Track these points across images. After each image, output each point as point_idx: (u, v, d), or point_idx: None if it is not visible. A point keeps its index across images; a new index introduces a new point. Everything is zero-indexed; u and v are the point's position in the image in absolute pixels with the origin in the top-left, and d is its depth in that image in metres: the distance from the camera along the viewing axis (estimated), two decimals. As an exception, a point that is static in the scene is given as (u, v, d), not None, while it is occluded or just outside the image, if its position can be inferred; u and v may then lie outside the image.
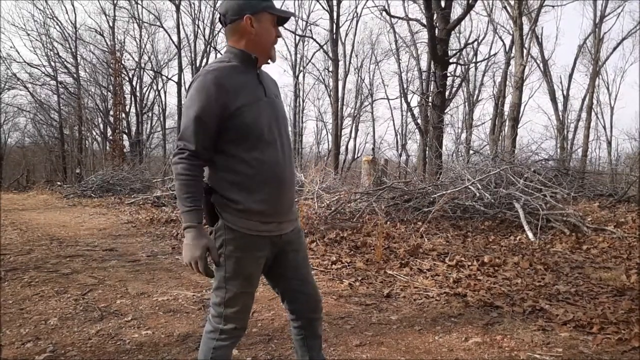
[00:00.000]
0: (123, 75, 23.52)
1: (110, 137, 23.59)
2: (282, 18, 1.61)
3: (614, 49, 23.21)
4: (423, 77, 18.69)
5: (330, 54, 20.02)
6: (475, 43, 19.96)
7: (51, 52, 23.22)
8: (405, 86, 21.19)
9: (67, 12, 36.47)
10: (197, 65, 24.21)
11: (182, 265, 4.54)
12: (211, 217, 1.57)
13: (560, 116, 23.00)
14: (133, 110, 24.91)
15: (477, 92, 23.58)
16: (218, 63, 1.55)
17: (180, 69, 23.79)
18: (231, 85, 1.48)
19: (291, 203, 1.64)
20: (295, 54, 25.82)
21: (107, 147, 23.79)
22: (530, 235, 5.71)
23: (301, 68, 26.54)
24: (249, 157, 1.50)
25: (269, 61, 1.63)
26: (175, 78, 24.23)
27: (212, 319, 1.63)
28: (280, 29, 1.65)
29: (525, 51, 12.81)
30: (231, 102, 1.47)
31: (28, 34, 23.87)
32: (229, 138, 1.50)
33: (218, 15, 1.62)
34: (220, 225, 1.55)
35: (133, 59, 24.90)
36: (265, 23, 1.55)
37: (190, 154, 1.48)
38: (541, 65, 22.10)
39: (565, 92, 23.59)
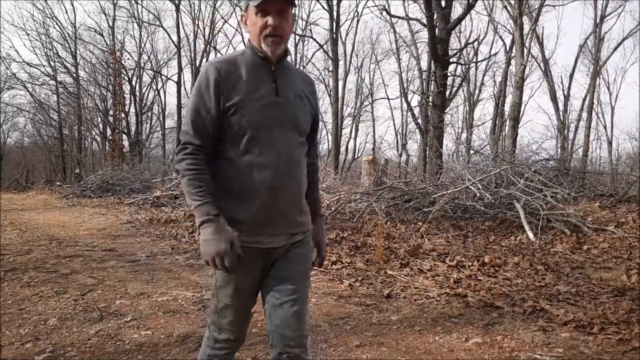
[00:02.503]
0: (122, 75, 23.52)
1: (110, 137, 23.60)
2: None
3: (615, 48, 23.23)
4: (423, 77, 18.68)
5: (330, 54, 20.00)
6: (476, 43, 19.93)
7: (51, 52, 23.25)
8: (405, 86, 21.19)
9: (66, 12, 36.26)
10: (197, 65, 24.21)
11: (181, 265, 4.53)
12: None
13: (561, 116, 23.00)
14: (132, 110, 24.93)
15: (477, 91, 23.58)
16: (228, 54, 1.47)
17: (180, 69, 23.80)
18: (230, 79, 1.39)
19: (289, 214, 1.45)
20: (295, 53, 25.79)
21: (107, 147, 23.80)
22: (530, 235, 5.70)
23: (301, 67, 26.55)
24: (240, 161, 1.38)
25: (270, 54, 1.42)
26: (175, 78, 24.26)
27: (210, 326, 1.56)
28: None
29: (525, 51, 12.81)
30: (227, 97, 1.38)
31: (27, 34, 23.82)
32: (222, 136, 1.41)
33: None
34: None
35: (132, 58, 24.93)
36: (251, 15, 1.42)
37: (194, 148, 1.39)
38: (542, 64, 22.10)
39: (565, 92, 23.59)
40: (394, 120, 41.88)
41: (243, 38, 21.93)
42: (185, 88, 24.99)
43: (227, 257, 1.33)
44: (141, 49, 24.86)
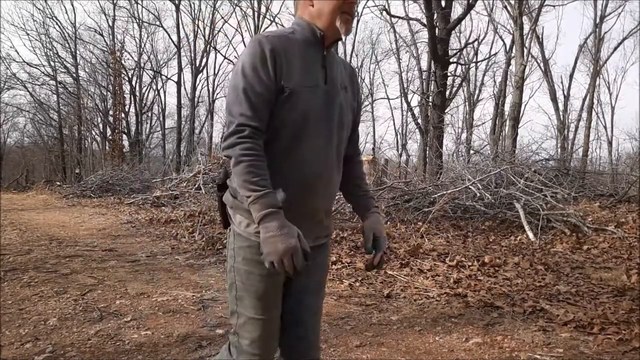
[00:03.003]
0: (122, 75, 23.54)
1: (110, 137, 23.62)
2: None
3: (615, 48, 23.34)
4: (423, 77, 18.68)
5: (330, 54, 19.99)
6: (476, 43, 19.95)
7: (50, 52, 23.29)
8: (405, 86, 21.19)
9: (66, 12, 36.25)
10: (197, 65, 24.23)
11: (181, 265, 4.52)
12: (225, 219, 1.34)
13: (561, 116, 23.02)
14: (132, 110, 24.95)
15: (477, 91, 23.60)
16: (277, 30, 1.29)
17: (180, 69, 23.83)
18: (287, 56, 1.22)
19: (320, 215, 1.34)
20: (295, 53, 25.82)
21: (107, 147, 23.82)
22: (530, 235, 5.70)
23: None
24: (279, 148, 1.24)
25: (341, 36, 1.29)
26: (175, 78, 24.28)
27: (229, 347, 1.35)
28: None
29: (525, 51, 12.82)
30: (284, 76, 1.21)
31: (27, 34, 23.95)
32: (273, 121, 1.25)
33: None
34: (230, 231, 1.31)
35: (132, 58, 24.96)
36: None
37: (252, 131, 1.18)
38: (542, 64, 22.13)
39: (565, 92, 23.63)
40: (394, 120, 42.00)
41: (243, 38, 21.94)
42: (185, 88, 25.05)
43: (297, 253, 1.14)
44: (141, 49, 24.89)
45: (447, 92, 13.25)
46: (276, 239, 1.13)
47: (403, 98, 21.26)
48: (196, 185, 10.09)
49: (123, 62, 23.60)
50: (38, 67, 23.18)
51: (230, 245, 1.30)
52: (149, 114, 27.24)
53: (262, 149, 1.20)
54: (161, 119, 27.45)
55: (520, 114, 14.16)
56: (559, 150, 18.33)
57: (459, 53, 15.17)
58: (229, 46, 24.18)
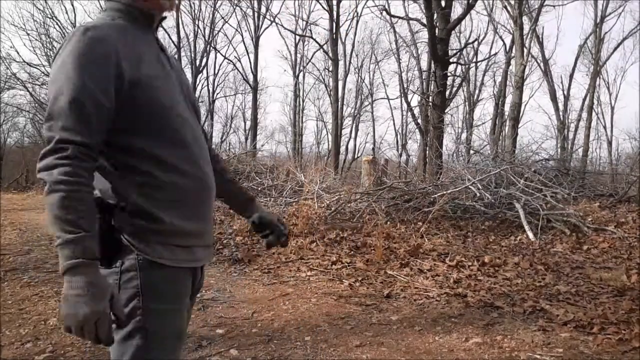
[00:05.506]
0: (123, 75, 23.55)
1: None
2: None
3: (615, 48, 23.12)
4: (423, 77, 18.70)
5: (330, 54, 20.01)
6: (476, 43, 19.95)
7: (51, 52, 23.24)
8: (405, 86, 21.19)
9: (66, 12, 36.09)
10: (197, 65, 24.25)
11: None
12: (111, 251, 0.99)
13: (561, 116, 23.00)
14: (133, 110, 24.94)
15: (477, 91, 23.58)
16: (100, 20, 1.06)
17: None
18: (124, 48, 1.01)
19: (210, 235, 1.19)
20: (295, 53, 25.81)
21: (107, 147, 23.81)
22: (530, 235, 5.70)
23: (301, 68, 26.52)
24: (167, 153, 1.04)
25: (165, 14, 1.18)
26: (175, 78, 24.23)
27: None
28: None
29: (525, 51, 12.82)
30: (128, 70, 0.99)
31: (28, 34, 23.75)
32: (134, 125, 1.02)
33: None
34: (131, 264, 0.99)
35: (133, 58, 24.92)
36: None
37: (77, 149, 0.92)
38: (542, 64, 22.08)
39: (565, 92, 23.59)
40: (394, 120, 41.71)
41: (243, 38, 21.96)
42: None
43: (104, 322, 0.90)
44: (141, 49, 24.87)
45: (447, 92, 13.24)
46: (79, 300, 0.88)
47: (403, 98, 21.27)
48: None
49: (123, 62, 23.60)
50: (38, 67, 23.18)
51: (129, 283, 0.99)
52: (149, 114, 27.18)
53: (88, 173, 0.95)
54: (161, 119, 27.40)
55: (520, 114, 14.18)
56: (559, 150, 18.32)
57: (459, 53, 15.17)
58: (229, 46, 24.16)
